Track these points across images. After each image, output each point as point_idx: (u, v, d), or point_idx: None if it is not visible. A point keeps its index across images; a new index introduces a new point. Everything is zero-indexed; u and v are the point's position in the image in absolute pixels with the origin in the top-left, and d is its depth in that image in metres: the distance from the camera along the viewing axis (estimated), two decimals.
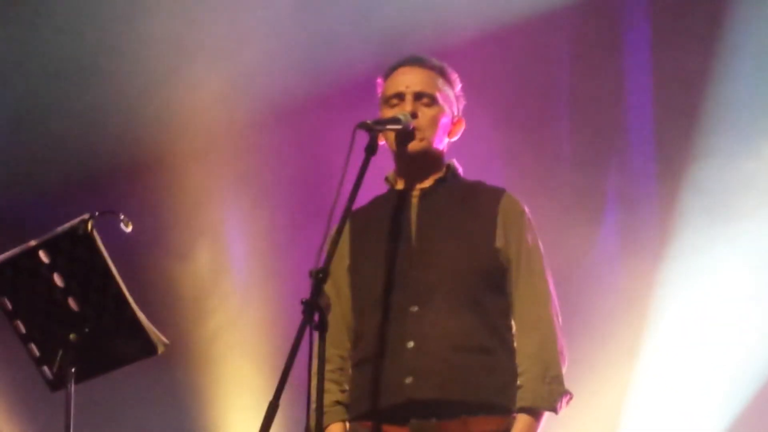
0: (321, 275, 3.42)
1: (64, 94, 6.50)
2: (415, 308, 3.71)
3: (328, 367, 3.80)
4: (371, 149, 3.66)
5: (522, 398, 3.69)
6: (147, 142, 6.50)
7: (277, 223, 6.42)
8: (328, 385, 3.77)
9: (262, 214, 6.47)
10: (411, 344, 3.69)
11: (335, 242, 3.53)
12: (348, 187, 3.59)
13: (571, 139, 6.34)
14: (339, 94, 6.29)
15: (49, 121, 6.51)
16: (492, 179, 3.98)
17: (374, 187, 3.93)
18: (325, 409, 3.70)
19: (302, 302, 3.40)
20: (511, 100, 6.26)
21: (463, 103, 3.95)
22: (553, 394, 3.68)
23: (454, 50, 5.67)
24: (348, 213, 3.58)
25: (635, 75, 6.32)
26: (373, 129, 3.69)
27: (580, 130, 6.33)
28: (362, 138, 3.68)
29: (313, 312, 3.41)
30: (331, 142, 3.89)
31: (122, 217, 3.75)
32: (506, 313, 3.77)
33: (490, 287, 3.74)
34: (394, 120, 3.77)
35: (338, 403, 3.83)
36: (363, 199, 3.87)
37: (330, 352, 3.78)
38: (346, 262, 3.86)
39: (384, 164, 3.91)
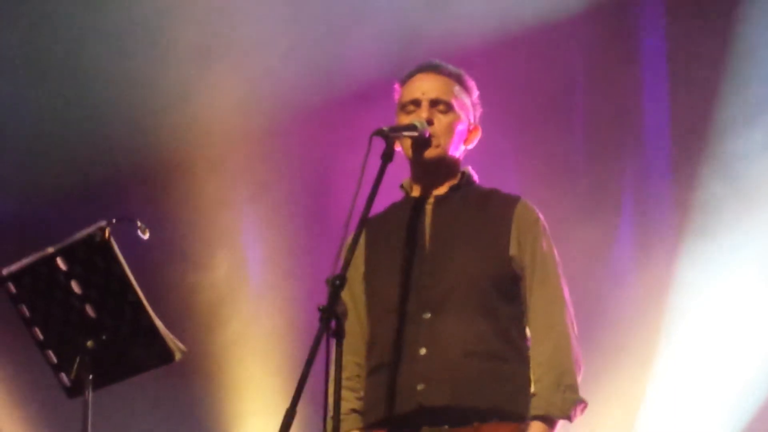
0: (338, 283, 3.40)
1: (84, 102, 6.51)
2: (428, 315, 3.69)
3: (344, 374, 3.77)
4: (388, 156, 3.64)
5: (536, 406, 3.66)
6: (165, 150, 6.51)
7: (294, 231, 6.41)
8: (344, 393, 3.73)
9: (278, 222, 6.47)
10: (423, 351, 3.67)
11: (352, 250, 3.51)
12: (364, 194, 3.56)
13: (586, 146, 6.33)
14: (355, 101, 6.29)
15: (69, 129, 6.52)
16: (506, 184, 3.96)
17: (390, 194, 3.91)
18: (342, 417, 3.67)
19: (319, 309, 3.39)
20: (526, 106, 6.26)
21: (480, 110, 3.93)
22: (566, 403, 3.65)
23: (469, 56, 5.66)
24: (364, 220, 3.56)
25: (651, 79, 6.31)
26: (390, 136, 3.67)
27: (594, 136, 6.32)
28: (378, 145, 3.66)
29: (330, 319, 3.38)
30: (348, 148, 3.88)
31: (139, 224, 3.74)
32: (520, 320, 3.74)
33: (504, 294, 3.72)
34: (410, 127, 3.75)
35: (354, 411, 3.82)
36: (379, 206, 3.85)
37: (346, 359, 3.76)
38: (362, 269, 3.85)
39: (398, 171, 3.88)
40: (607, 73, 6.28)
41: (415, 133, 3.75)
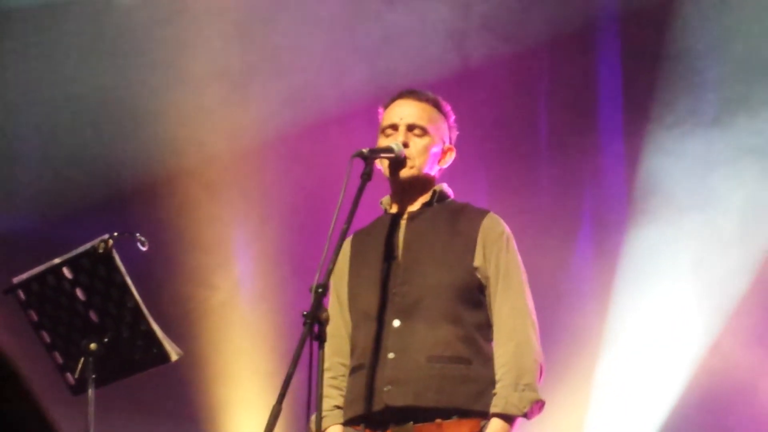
0: (320, 290, 3.48)
1: (87, 123, 6.56)
2: (397, 322, 3.76)
3: (329, 374, 3.88)
4: (367, 176, 3.74)
5: (495, 404, 3.71)
6: (161, 167, 6.54)
7: (282, 243, 6.44)
8: (328, 391, 3.85)
9: (267, 235, 6.50)
10: (392, 355, 3.74)
11: (333, 260, 3.59)
12: (346, 210, 3.65)
13: (548, 163, 6.38)
14: (338, 123, 6.34)
15: (76, 151, 6.56)
16: (475, 199, 4.04)
17: (376, 210, 3.99)
18: (325, 413, 3.80)
19: (303, 315, 3.46)
20: (493, 131, 6.30)
21: (456, 132, 3.99)
22: (523, 401, 3.69)
23: (439, 85, 5.73)
24: (344, 234, 3.64)
25: (607, 105, 6.37)
26: (369, 157, 3.77)
27: (556, 153, 6.37)
28: (359, 165, 3.75)
29: (313, 324, 3.46)
30: (335, 168, 3.95)
31: (139, 236, 3.81)
32: (485, 326, 3.80)
33: (468, 302, 3.78)
34: (388, 149, 3.83)
35: (337, 407, 3.89)
36: (366, 220, 3.93)
37: (332, 360, 3.88)
38: (346, 278, 3.93)
39: (385, 190, 3.97)
40: (568, 97, 6.34)
41: (392, 155, 3.83)
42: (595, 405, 5.99)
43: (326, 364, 3.86)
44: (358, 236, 3.96)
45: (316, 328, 3.47)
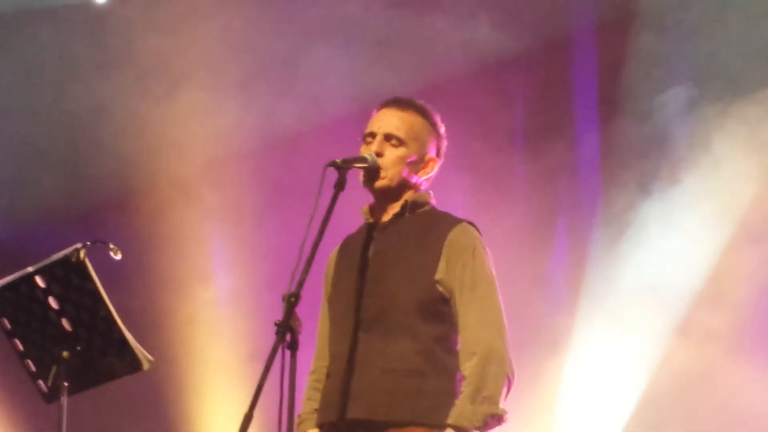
0: (293, 299, 3.47)
1: (62, 130, 6.54)
2: (361, 334, 3.74)
3: (314, 376, 3.88)
4: (339, 185, 3.70)
5: (450, 415, 3.63)
6: (138, 174, 6.53)
7: (256, 253, 6.44)
8: (311, 393, 3.86)
9: (243, 242, 6.50)
10: (356, 367, 3.71)
11: (306, 270, 3.55)
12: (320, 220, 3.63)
13: (525, 171, 6.40)
14: (316, 132, 6.34)
15: (53, 160, 6.54)
16: (454, 208, 4.01)
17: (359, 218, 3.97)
18: (305, 416, 3.83)
19: (275, 324, 3.44)
20: (474, 141, 6.31)
21: (444, 143, 3.91)
22: (477, 414, 3.60)
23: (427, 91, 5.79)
24: (317, 243, 3.61)
25: (583, 114, 6.39)
26: (341, 167, 3.73)
27: (532, 162, 6.39)
28: (335, 174, 3.72)
29: (285, 332, 3.44)
30: (311, 176, 3.92)
31: (111, 246, 3.78)
32: (446, 339, 3.73)
33: (428, 315, 3.71)
34: (361, 159, 3.80)
35: (316, 411, 3.86)
36: (344, 228, 3.90)
37: (318, 363, 3.89)
38: (329, 287, 3.92)
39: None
40: (545, 109, 6.36)
41: (365, 165, 3.80)
42: (564, 402, 6.00)
43: (312, 366, 3.88)
44: (345, 243, 3.94)
45: (288, 337, 3.44)
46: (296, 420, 3.67)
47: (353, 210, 3.85)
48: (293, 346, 3.46)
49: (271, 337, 3.45)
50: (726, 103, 6.00)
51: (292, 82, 6.46)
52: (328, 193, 3.69)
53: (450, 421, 3.62)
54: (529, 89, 6.45)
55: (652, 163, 6.10)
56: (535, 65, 6.40)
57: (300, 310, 3.50)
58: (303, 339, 3.49)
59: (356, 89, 6.31)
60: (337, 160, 3.75)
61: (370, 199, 3.88)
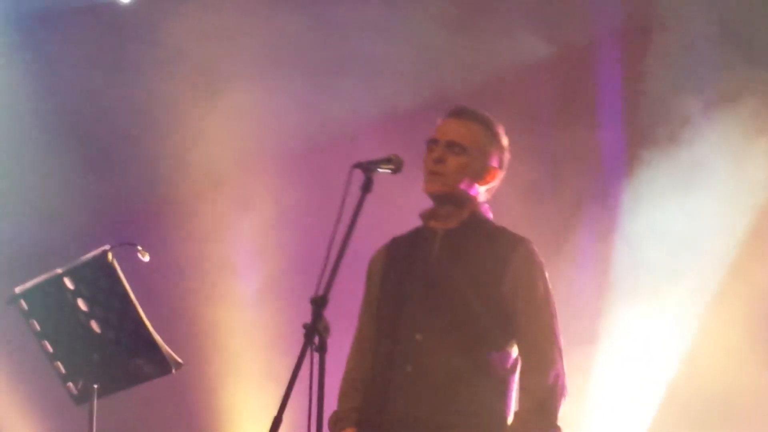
0: (320, 302, 3.44)
1: (94, 130, 6.56)
2: (419, 336, 3.72)
3: (351, 375, 3.84)
4: (366, 187, 3.66)
5: (512, 426, 3.68)
6: (168, 182, 6.53)
7: (284, 254, 6.42)
8: (349, 391, 3.82)
9: (271, 245, 6.48)
10: (409, 368, 3.70)
11: (334, 272, 3.53)
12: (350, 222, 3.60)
13: (551, 178, 6.37)
14: (342, 135, 6.32)
15: (84, 167, 6.57)
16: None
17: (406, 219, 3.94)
18: (342, 415, 3.78)
19: (304, 326, 3.42)
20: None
21: (507, 155, 3.91)
22: (540, 428, 3.67)
23: (440, 104, 5.76)
24: (345, 246, 3.58)
25: (608, 120, 6.36)
26: (367, 169, 3.70)
27: (559, 169, 6.36)
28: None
29: (313, 335, 3.42)
30: (338, 179, 3.89)
31: (139, 248, 3.77)
32: (504, 353, 3.75)
33: (491, 326, 3.73)
34: (386, 160, 3.76)
35: (354, 409, 3.82)
36: (370, 230, 3.87)
37: (356, 361, 3.85)
38: (378, 285, 3.88)
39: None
40: (570, 114, 6.34)
41: (391, 167, 3.76)
42: (590, 410, 5.99)
43: (350, 365, 3.85)
44: (393, 244, 3.91)
45: (316, 340, 3.41)
46: (331, 418, 3.67)
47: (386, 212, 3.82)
48: (321, 349, 3.43)
49: (300, 340, 3.41)
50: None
51: (334, 83, 6.43)
52: (355, 194, 3.65)
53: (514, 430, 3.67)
54: (553, 95, 6.41)
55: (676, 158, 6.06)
56: (560, 71, 6.36)
57: (328, 313, 3.47)
58: (331, 342, 3.46)
59: (396, 93, 6.28)
60: (364, 162, 3.71)
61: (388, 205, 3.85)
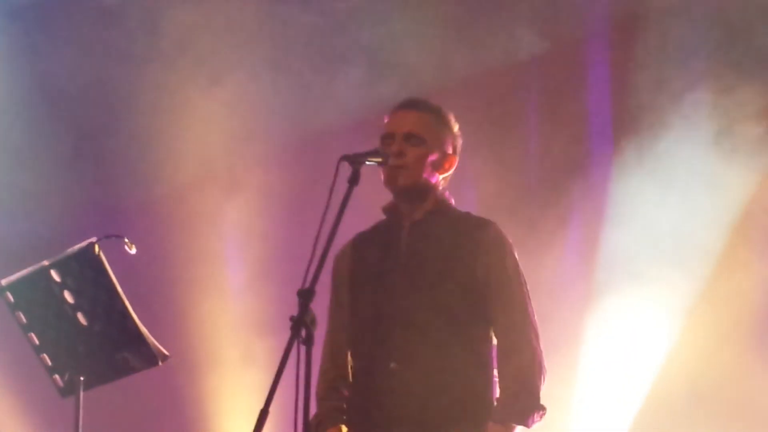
0: (307, 295, 3.41)
1: (84, 123, 6.54)
2: (399, 331, 3.71)
3: (328, 375, 3.83)
4: (353, 180, 3.63)
5: (495, 411, 3.67)
6: (157, 176, 6.51)
7: (270, 246, 6.41)
8: (327, 393, 3.81)
9: (257, 235, 6.47)
10: (393, 365, 3.69)
11: (321, 265, 3.51)
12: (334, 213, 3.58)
13: (540, 166, 6.37)
14: (330, 133, 6.31)
15: (65, 149, 6.55)
16: (470, 206, 3.98)
17: (370, 213, 3.92)
18: (323, 417, 3.77)
19: (291, 319, 3.40)
20: (489, 139, 6.28)
21: (460, 141, 3.91)
22: (525, 410, 3.66)
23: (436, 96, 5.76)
24: (332, 239, 3.56)
25: (596, 111, 6.37)
26: (356, 161, 3.67)
27: (546, 158, 6.36)
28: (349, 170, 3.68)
29: (300, 328, 3.40)
30: (322, 173, 3.88)
31: (126, 240, 3.75)
32: (485, 336, 3.74)
33: (470, 313, 3.72)
34: (374, 153, 3.75)
35: (336, 409, 3.82)
36: (356, 223, 3.86)
37: (331, 362, 3.83)
38: (347, 282, 3.86)
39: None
40: (558, 105, 6.34)
41: (379, 159, 3.75)
42: (576, 403, 6.00)
43: (325, 366, 3.83)
44: (359, 239, 3.89)
45: (303, 332, 3.39)
46: (312, 420, 3.60)
47: (364, 207, 3.80)
48: (308, 342, 3.41)
49: (286, 333, 3.39)
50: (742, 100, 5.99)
51: (329, 76, 6.42)
52: (342, 187, 3.63)
53: (498, 417, 3.65)
54: (543, 89, 6.42)
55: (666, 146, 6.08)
56: (549, 66, 6.37)
57: (314, 306, 3.44)
58: (318, 334, 3.44)
59: (370, 89, 6.28)
60: (351, 155, 3.69)
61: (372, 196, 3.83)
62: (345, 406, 3.82)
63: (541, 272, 5.99)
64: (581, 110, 6.37)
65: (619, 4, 6.35)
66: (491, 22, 6.31)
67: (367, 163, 3.70)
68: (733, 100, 5.99)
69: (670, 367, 6.00)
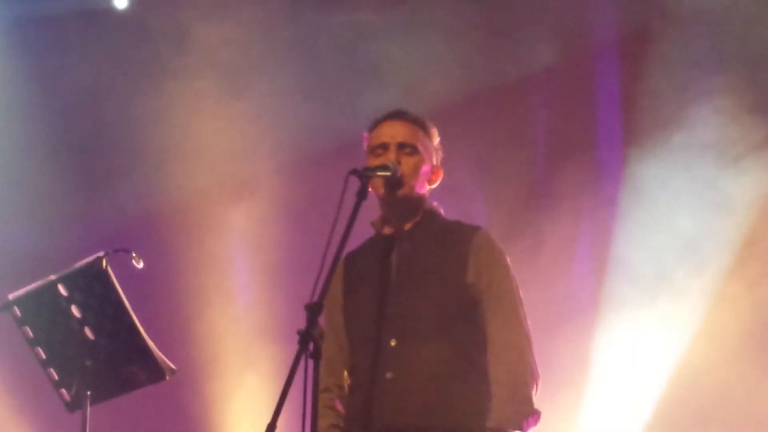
0: (315, 309, 3.41)
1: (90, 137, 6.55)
2: (393, 342, 3.70)
3: (326, 394, 3.82)
4: (362, 194, 3.65)
5: (490, 419, 3.66)
6: (164, 189, 6.51)
7: (278, 262, 6.40)
8: (324, 411, 3.78)
9: (264, 250, 6.46)
10: (390, 375, 3.69)
11: (329, 279, 3.51)
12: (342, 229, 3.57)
13: (549, 179, 6.36)
14: (336, 150, 6.31)
15: (76, 164, 6.55)
16: (478, 217, 3.97)
17: (364, 231, 3.91)
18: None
19: (298, 333, 3.39)
20: (496, 150, 6.28)
21: (441, 154, 3.93)
22: (518, 414, 3.64)
23: (447, 111, 5.79)
24: (340, 252, 3.56)
25: (605, 124, 6.36)
26: (364, 175, 3.69)
27: (555, 173, 6.35)
28: (354, 184, 3.67)
29: (308, 342, 3.38)
30: (328, 189, 3.88)
31: (134, 254, 3.74)
32: (480, 341, 3.74)
33: (463, 319, 3.73)
34: (383, 167, 3.75)
35: (333, 426, 3.82)
36: (355, 241, 3.84)
37: (329, 381, 3.82)
38: (340, 301, 3.86)
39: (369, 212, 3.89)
40: (567, 116, 6.34)
41: (388, 173, 3.75)
42: (586, 412, 5.98)
43: (322, 386, 3.78)
44: (349, 258, 3.89)
45: (311, 346, 3.38)
46: None
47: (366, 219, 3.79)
48: (316, 356, 3.40)
49: (293, 343, 3.38)
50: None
51: (343, 88, 6.42)
52: (350, 201, 3.63)
53: (493, 424, 3.64)
54: (552, 102, 6.41)
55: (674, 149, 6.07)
56: (558, 78, 6.36)
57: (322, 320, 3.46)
58: None
59: (373, 106, 6.29)
60: (360, 169, 3.71)
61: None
62: (341, 423, 3.81)
63: (551, 285, 5.99)
64: (591, 123, 6.37)
65: (629, 17, 6.36)
66: (505, 36, 6.32)
67: (378, 175, 3.71)
68: (744, 113, 5.99)
69: (678, 380, 5.99)
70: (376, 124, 3.88)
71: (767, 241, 6.02)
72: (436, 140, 3.91)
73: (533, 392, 3.69)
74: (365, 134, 3.91)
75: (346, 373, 3.85)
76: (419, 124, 3.86)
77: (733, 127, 5.99)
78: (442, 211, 3.91)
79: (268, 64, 6.46)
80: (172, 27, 6.47)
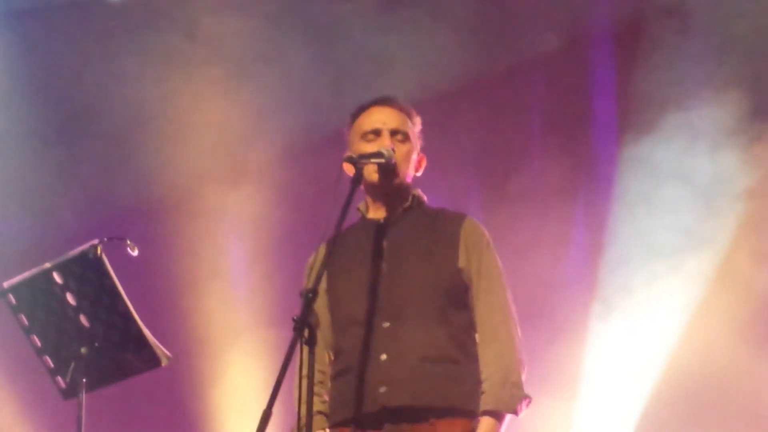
0: (310, 295, 3.41)
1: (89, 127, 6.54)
2: (387, 324, 3.71)
3: (309, 381, 3.79)
4: (357, 181, 3.67)
5: (485, 402, 3.68)
6: (158, 177, 6.51)
7: (272, 249, 6.40)
8: (309, 396, 3.76)
9: (258, 238, 6.46)
10: (384, 357, 3.69)
11: (324, 265, 3.52)
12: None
13: (543, 173, 6.36)
14: (334, 137, 6.30)
15: (70, 151, 6.55)
16: (470, 213, 3.98)
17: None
18: (306, 420, 3.68)
19: (293, 320, 3.39)
20: (491, 141, 6.28)
21: (421, 142, 3.93)
22: (513, 398, 3.68)
23: (438, 101, 5.79)
24: (335, 238, 3.57)
25: (601, 116, 6.36)
26: (359, 162, 3.70)
27: (549, 167, 6.35)
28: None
29: (303, 328, 3.39)
30: (325, 175, 3.88)
31: (129, 242, 3.74)
32: (470, 326, 3.77)
33: (455, 303, 3.75)
34: (378, 154, 3.76)
35: (319, 412, 3.81)
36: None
37: (310, 368, 3.78)
38: (324, 285, 3.83)
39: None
40: (562, 108, 6.33)
41: (382, 160, 3.76)
42: (581, 400, 5.99)
43: (304, 372, 3.72)
44: (331, 243, 3.80)
45: (306, 333, 3.38)
46: (294, 428, 3.53)
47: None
48: (311, 342, 3.40)
49: (289, 333, 3.37)
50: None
51: (340, 80, 6.41)
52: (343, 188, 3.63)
53: (488, 407, 3.67)
54: (546, 93, 6.41)
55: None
56: (553, 68, 6.36)
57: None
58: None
59: (397, 90, 6.28)
60: (354, 156, 3.74)
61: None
62: (326, 408, 3.81)
63: (546, 274, 6.00)
64: (586, 115, 6.37)
65: (625, 6, 6.36)
66: (502, 24, 6.31)
67: (372, 162, 3.71)
68: (738, 104, 6.00)
69: (674, 368, 5.99)
70: (362, 110, 3.88)
71: (765, 228, 6.03)
72: (419, 128, 3.92)
73: (522, 375, 3.73)
74: (348, 120, 3.90)
75: (326, 356, 3.85)
76: (406, 112, 3.88)
77: (730, 110, 6.00)
78: (425, 199, 3.93)
79: (269, 50, 6.45)
80: (178, 15, 6.47)
